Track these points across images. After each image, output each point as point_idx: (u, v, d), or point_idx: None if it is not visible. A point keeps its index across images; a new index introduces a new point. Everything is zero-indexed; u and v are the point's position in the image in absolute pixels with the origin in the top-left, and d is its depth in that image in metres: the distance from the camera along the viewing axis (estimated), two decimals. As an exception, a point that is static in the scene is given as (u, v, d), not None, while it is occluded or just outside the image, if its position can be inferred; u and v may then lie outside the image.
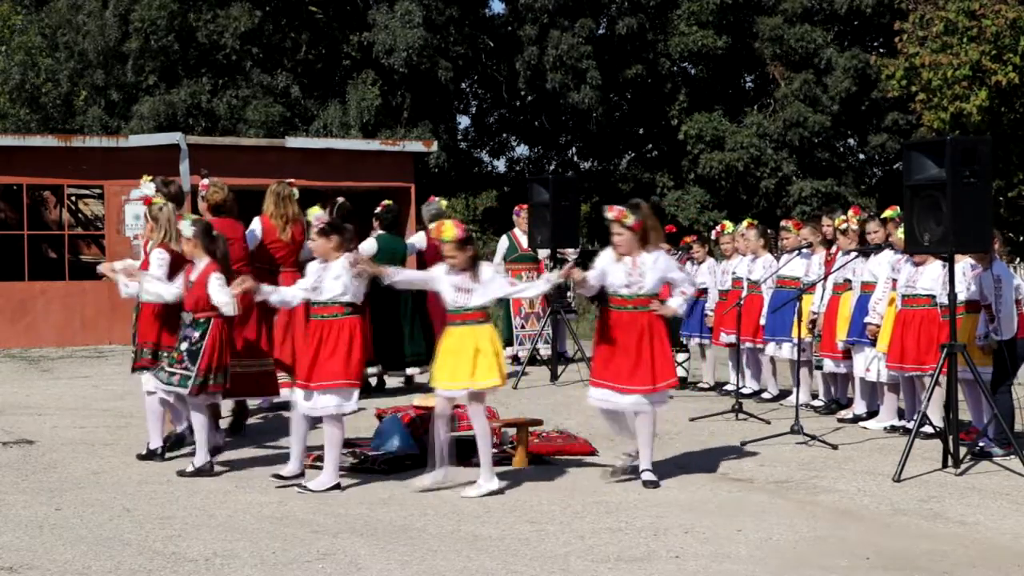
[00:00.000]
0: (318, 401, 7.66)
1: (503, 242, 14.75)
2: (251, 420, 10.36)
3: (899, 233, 9.34)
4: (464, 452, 8.56)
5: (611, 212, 7.82)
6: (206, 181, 9.79)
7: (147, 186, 9.24)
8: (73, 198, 22.29)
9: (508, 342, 14.04)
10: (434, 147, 20.61)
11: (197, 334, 8.07)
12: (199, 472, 8.05)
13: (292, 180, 10.73)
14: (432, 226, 8.11)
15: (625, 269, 7.81)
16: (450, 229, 7.66)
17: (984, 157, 8.03)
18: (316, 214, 8.06)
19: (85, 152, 17.71)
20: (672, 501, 7.41)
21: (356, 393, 7.76)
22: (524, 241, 14.22)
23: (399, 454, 8.35)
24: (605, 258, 7.96)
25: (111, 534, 6.59)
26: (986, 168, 8.05)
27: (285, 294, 8.11)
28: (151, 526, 6.75)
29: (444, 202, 13.37)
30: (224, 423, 9.51)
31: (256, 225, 10.40)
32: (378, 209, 12.27)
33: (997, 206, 21.16)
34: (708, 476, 8.21)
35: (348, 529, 6.69)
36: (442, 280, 7.75)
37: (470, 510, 7.14)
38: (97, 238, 21.18)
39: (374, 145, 19.67)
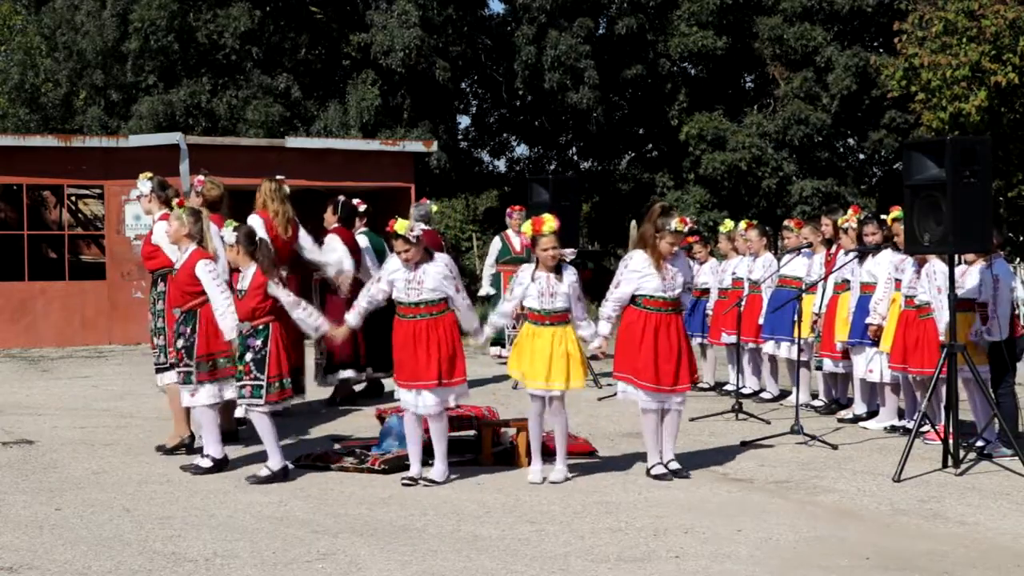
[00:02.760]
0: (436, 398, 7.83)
1: (495, 243, 14.79)
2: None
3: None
4: (458, 449, 8.63)
5: (684, 224, 8.00)
6: (201, 177, 9.75)
7: (143, 184, 9.26)
8: (73, 198, 22.30)
9: (499, 342, 14.06)
10: (434, 147, 20.62)
11: (259, 342, 7.93)
12: (273, 478, 7.91)
13: (282, 177, 10.65)
14: (528, 222, 8.13)
15: (661, 272, 7.99)
16: (550, 221, 7.91)
17: (984, 157, 8.04)
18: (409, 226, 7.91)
19: (85, 152, 17.72)
20: (672, 501, 7.41)
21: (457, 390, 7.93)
22: (516, 242, 14.30)
23: (399, 454, 8.35)
24: (639, 263, 8.00)
25: (111, 534, 6.59)
26: (986, 168, 8.05)
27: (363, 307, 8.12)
28: (151, 526, 6.75)
29: (435, 206, 13.34)
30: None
31: (260, 228, 10.34)
32: (363, 207, 12.21)
33: (997, 206, 21.15)
34: (708, 476, 8.21)
35: (348, 529, 6.70)
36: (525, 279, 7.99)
37: (470, 510, 7.14)
38: (97, 238, 21.20)
39: (374, 145, 19.67)
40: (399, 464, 8.26)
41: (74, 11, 26.57)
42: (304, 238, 10.56)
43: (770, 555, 6.21)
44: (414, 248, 7.77)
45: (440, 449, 7.86)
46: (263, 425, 7.95)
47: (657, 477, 8.00)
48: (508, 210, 14.94)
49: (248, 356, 7.94)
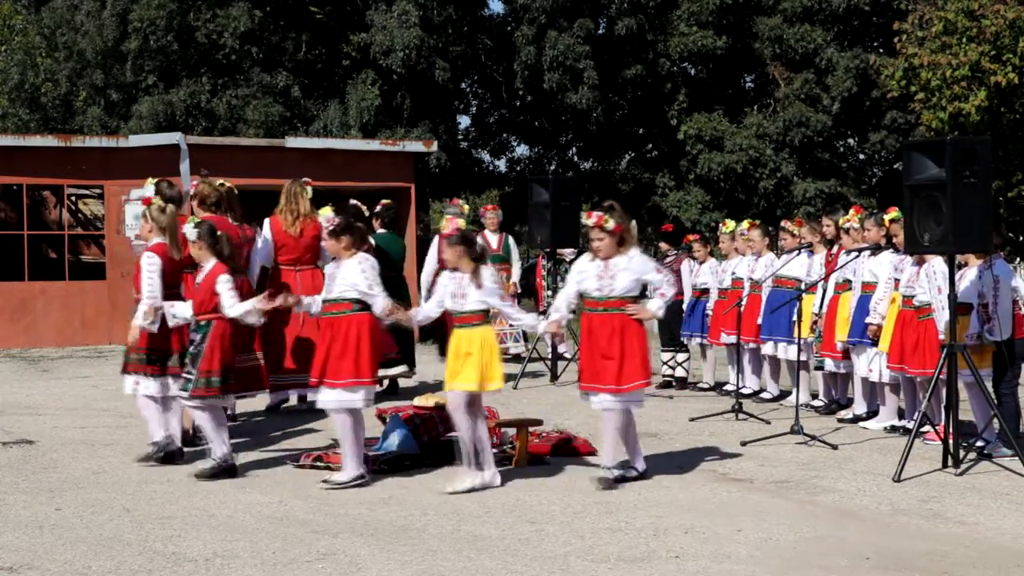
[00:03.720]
0: (327, 396, 7.77)
1: None
2: (249, 420, 10.38)
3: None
4: (458, 450, 8.61)
5: (590, 218, 7.81)
6: (194, 180, 9.94)
7: (149, 188, 9.32)
8: (73, 198, 22.29)
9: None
10: (434, 147, 20.61)
11: (199, 337, 8.03)
12: (219, 470, 7.97)
13: (308, 180, 10.95)
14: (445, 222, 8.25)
15: (597, 271, 7.86)
16: (446, 225, 7.89)
17: (984, 157, 8.04)
18: (326, 215, 8.17)
19: (85, 152, 17.70)
20: (672, 501, 7.41)
21: (366, 390, 7.81)
22: (493, 241, 14.48)
23: (399, 454, 8.36)
24: (581, 263, 8.02)
25: (111, 534, 6.59)
26: (986, 168, 8.05)
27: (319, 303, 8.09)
28: (151, 526, 6.75)
29: (466, 206, 13.48)
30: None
31: (266, 228, 10.53)
32: (378, 208, 12.31)
33: (997, 206, 21.15)
34: (708, 476, 8.21)
35: (348, 529, 6.69)
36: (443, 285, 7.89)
37: (470, 510, 7.14)
38: (97, 238, 21.18)
39: (374, 145, 19.67)
40: (399, 464, 8.27)
41: (74, 11, 26.59)
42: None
43: (770, 555, 6.21)
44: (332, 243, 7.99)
45: (344, 449, 7.84)
46: (200, 418, 8.04)
47: (597, 479, 7.83)
48: (482, 210, 15.17)
49: (190, 349, 8.06)
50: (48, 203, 22.49)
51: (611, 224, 7.74)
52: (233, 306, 7.97)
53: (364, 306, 7.84)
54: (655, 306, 7.87)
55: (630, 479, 7.91)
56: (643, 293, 8.21)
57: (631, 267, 7.80)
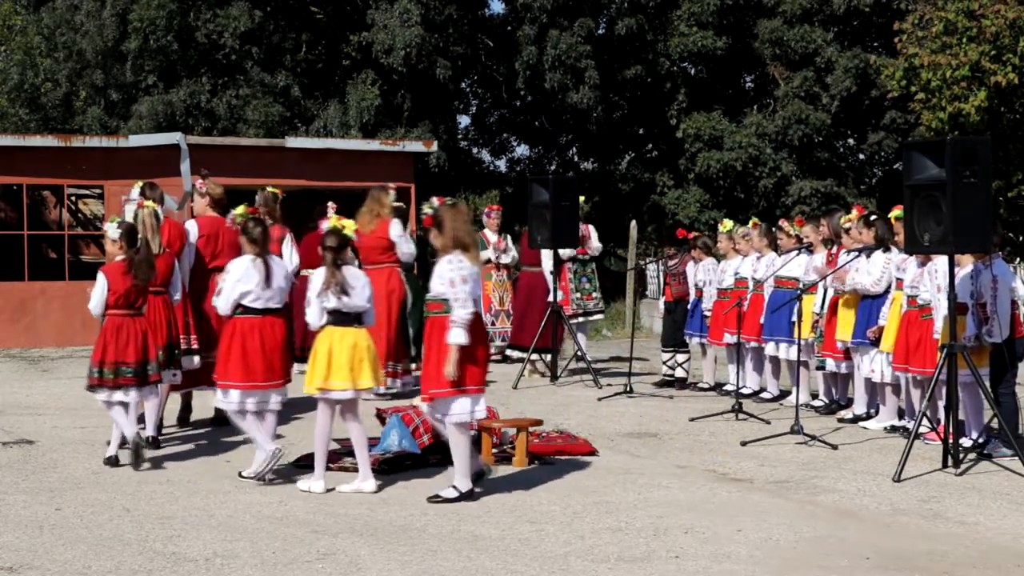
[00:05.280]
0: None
1: None
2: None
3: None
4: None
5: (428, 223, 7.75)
6: (200, 181, 10.09)
7: (134, 191, 9.58)
8: (73, 198, 22.29)
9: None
10: (434, 147, 20.60)
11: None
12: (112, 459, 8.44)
13: (391, 184, 12.29)
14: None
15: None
16: (350, 225, 7.96)
17: (984, 157, 8.04)
18: (239, 213, 8.56)
19: (85, 152, 17.70)
20: (672, 501, 7.41)
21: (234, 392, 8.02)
22: (493, 240, 14.76)
23: (399, 454, 8.36)
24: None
25: (111, 534, 6.59)
26: (986, 168, 8.05)
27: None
28: (151, 526, 6.75)
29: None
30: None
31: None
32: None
33: (997, 206, 21.16)
34: (708, 476, 8.21)
35: (348, 529, 6.70)
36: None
37: (470, 510, 7.15)
38: (97, 238, 21.17)
39: (374, 145, 19.66)
40: (399, 464, 8.27)
41: (74, 11, 26.56)
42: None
43: (770, 555, 6.21)
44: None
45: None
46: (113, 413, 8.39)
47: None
48: (487, 209, 15.23)
49: None
50: (48, 203, 22.49)
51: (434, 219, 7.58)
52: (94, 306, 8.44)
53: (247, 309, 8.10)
54: (450, 336, 7.30)
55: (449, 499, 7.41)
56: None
57: (438, 271, 7.47)
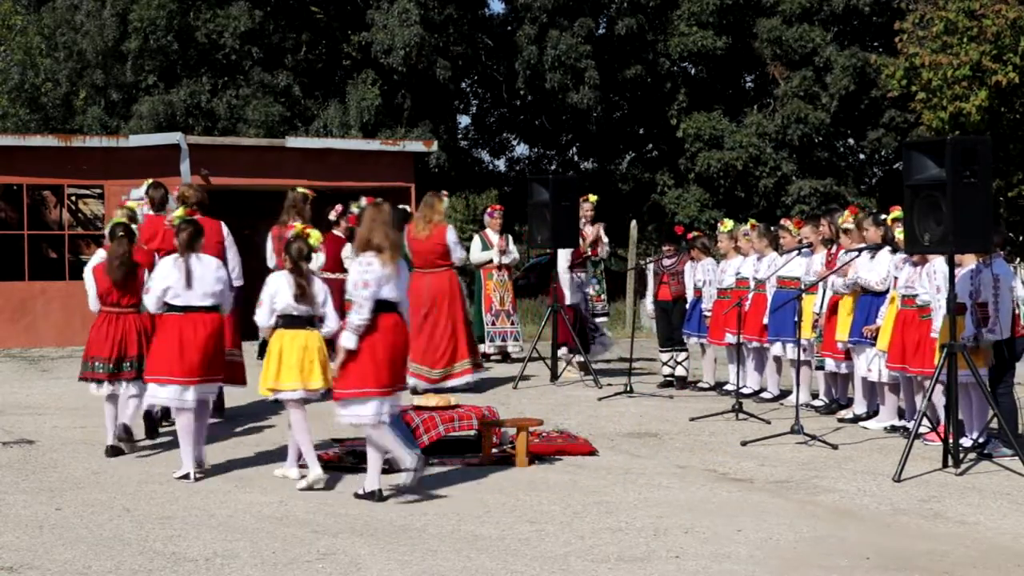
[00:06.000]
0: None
1: (476, 242, 15.09)
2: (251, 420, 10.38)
3: (898, 233, 9.35)
4: (458, 449, 8.63)
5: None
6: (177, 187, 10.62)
7: (140, 191, 9.69)
8: (73, 198, 22.28)
9: (480, 339, 14.15)
10: (434, 147, 20.59)
11: None
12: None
13: (444, 192, 12.80)
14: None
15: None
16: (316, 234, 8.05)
17: (984, 157, 8.03)
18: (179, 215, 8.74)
19: (85, 152, 17.69)
20: (672, 501, 7.41)
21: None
22: (495, 240, 14.77)
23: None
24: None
25: (111, 534, 6.60)
26: (986, 168, 8.05)
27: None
28: (151, 526, 6.75)
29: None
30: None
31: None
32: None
33: (997, 206, 21.16)
34: (708, 476, 8.21)
35: (348, 529, 6.70)
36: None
37: (470, 510, 7.15)
38: (97, 238, 21.15)
39: (374, 145, 19.64)
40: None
41: (74, 11, 26.56)
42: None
43: (770, 555, 6.21)
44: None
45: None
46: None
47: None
48: (489, 209, 15.24)
49: None
50: (48, 203, 22.47)
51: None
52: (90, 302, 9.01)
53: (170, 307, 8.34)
54: (339, 339, 7.45)
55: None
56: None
57: (349, 272, 7.65)
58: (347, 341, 7.31)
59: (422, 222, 12.11)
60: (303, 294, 7.74)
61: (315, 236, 8.01)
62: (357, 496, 7.42)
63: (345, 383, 7.37)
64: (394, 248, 7.51)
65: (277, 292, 7.80)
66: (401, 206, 13.56)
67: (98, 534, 6.60)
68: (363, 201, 7.69)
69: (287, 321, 7.80)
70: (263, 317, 7.85)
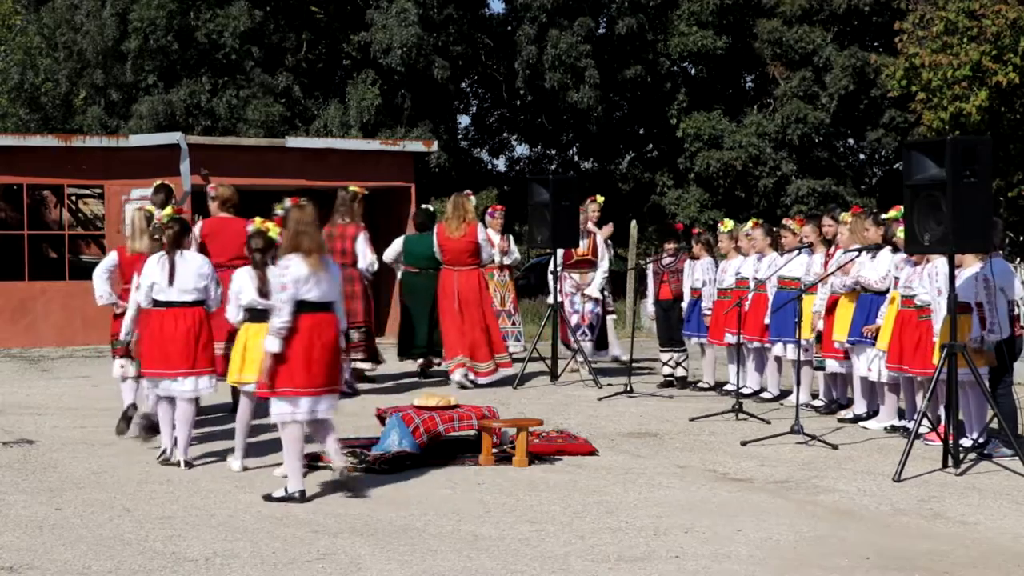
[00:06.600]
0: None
1: None
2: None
3: (899, 233, 9.34)
4: (458, 449, 8.63)
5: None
6: (211, 185, 10.64)
7: (142, 191, 9.80)
8: (73, 198, 22.28)
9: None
10: (434, 147, 20.59)
11: None
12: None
13: (469, 191, 13.28)
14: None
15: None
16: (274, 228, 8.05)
17: (984, 157, 8.03)
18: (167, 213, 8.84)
19: (85, 152, 17.70)
20: (672, 501, 7.41)
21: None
22: (496, 240, 14.61)
23: (399, 454, 8.35)
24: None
25: (111, 534, 6.59)
26: (986, 168, 8.04)
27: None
28: (151, 526, 6.75)
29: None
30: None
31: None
32: (414, 211, 13.66)
33: (997, 206, 21.16)
34: (708, 476, 8.21)
35: (348, 529, 6.70)
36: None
37: (470, 510, 7.14)
38: (97, 238, 21.18)
39: (374, 145, 19.65)
40: (400, 463, 8.27)
41: (74, 11, 26.58)
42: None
43: (770, 555, 6.21)
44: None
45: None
46: None
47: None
48: (490, 209, 15.13)
49: None
50: (48, 203, 22.48)
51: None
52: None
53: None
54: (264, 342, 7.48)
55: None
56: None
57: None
58: (270, 345, 7.38)
59: (455, 221, 12.53)
60: (264, 287, 7.84)
61: (274, 230, 8.02)
62: (267, 499, 7.35)
63: (273, 383, 7.42)
64: (320, 249, 7.53)
65: (242, 288, 8.02)
66: (424, 206, 13.91)
67: (98, 534, 6.59)
68: (287, 202, 7.68)
69: (253, 315, 7.98)
70: (231, 313, 8.11)
